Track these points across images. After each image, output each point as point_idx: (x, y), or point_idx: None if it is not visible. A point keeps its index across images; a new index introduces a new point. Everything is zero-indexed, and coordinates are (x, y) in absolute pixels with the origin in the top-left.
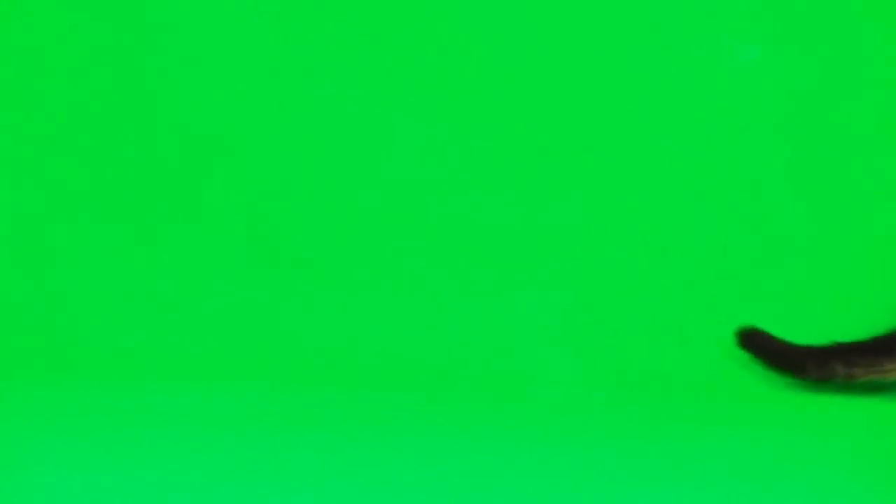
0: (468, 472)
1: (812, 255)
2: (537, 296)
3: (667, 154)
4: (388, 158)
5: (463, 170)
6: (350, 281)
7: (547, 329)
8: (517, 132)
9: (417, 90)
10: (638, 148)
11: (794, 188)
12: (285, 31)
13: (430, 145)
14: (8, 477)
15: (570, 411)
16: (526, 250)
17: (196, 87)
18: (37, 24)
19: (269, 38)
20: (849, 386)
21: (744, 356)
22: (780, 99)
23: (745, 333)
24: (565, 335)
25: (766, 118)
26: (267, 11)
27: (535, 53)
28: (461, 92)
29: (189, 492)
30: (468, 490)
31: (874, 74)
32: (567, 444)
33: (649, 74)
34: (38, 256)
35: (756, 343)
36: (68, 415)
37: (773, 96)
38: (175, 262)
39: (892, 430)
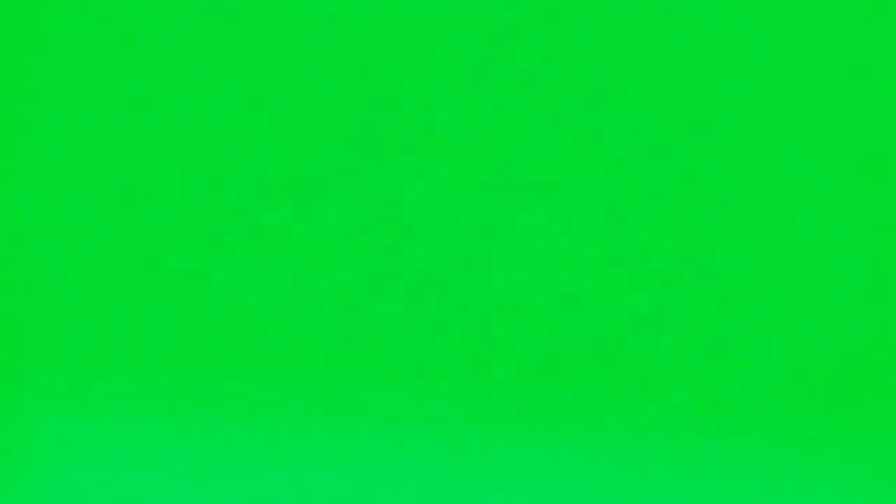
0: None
1: None
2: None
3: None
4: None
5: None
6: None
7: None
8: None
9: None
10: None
11: None
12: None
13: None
14: (8, 475)
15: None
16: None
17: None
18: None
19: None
20: None
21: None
22: None
23: None
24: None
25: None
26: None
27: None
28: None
29: (187, 489)
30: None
31: None
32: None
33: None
34: (38, 256)
35: None
36: (66, 412)
37: None
38: (173, 261)
39: None
